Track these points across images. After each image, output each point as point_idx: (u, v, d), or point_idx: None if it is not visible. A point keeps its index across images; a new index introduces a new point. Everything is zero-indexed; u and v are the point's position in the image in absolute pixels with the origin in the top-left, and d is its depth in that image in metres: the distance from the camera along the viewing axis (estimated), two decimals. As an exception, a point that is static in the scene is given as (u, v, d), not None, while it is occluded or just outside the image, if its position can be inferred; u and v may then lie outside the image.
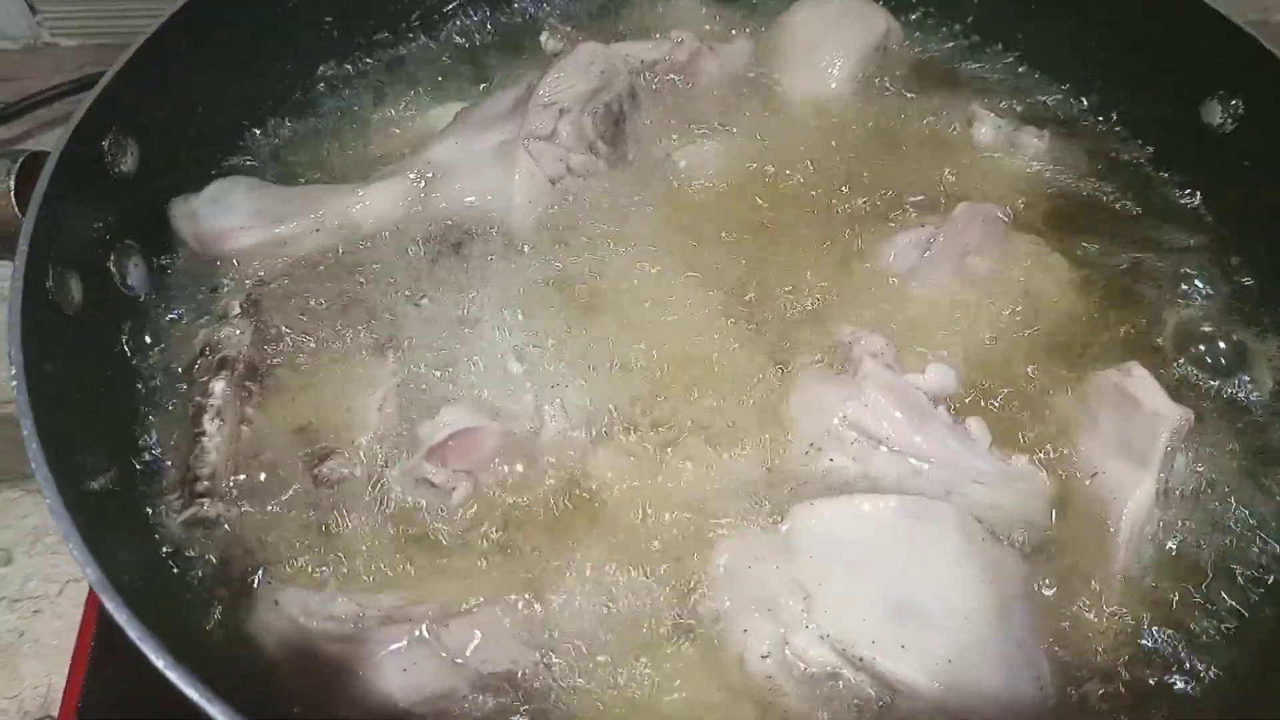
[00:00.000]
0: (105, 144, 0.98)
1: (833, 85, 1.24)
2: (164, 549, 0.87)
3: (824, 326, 1.02)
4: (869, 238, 1.10)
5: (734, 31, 1.31)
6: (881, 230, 1.11)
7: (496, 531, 0.88)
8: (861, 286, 1.06)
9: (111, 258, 0.99)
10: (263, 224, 1.05)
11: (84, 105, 0.96)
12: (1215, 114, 1.13)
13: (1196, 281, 1.09)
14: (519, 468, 0.91)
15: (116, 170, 1.00)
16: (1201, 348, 1.04)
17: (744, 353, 1.00)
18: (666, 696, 0.81)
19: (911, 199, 1.15)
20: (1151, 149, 1.21)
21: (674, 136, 1.18)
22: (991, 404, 0.98)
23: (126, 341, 0.99)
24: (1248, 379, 1.02)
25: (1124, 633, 0.86)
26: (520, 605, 0.83)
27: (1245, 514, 0.93)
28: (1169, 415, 0.90)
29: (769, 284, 1.06)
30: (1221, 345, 1.04)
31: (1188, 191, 1.17)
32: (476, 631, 0.80)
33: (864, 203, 1.14)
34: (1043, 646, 0.83)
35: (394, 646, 0.79)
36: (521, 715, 0.80)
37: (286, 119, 1.21)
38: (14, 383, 0.77)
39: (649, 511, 0.89)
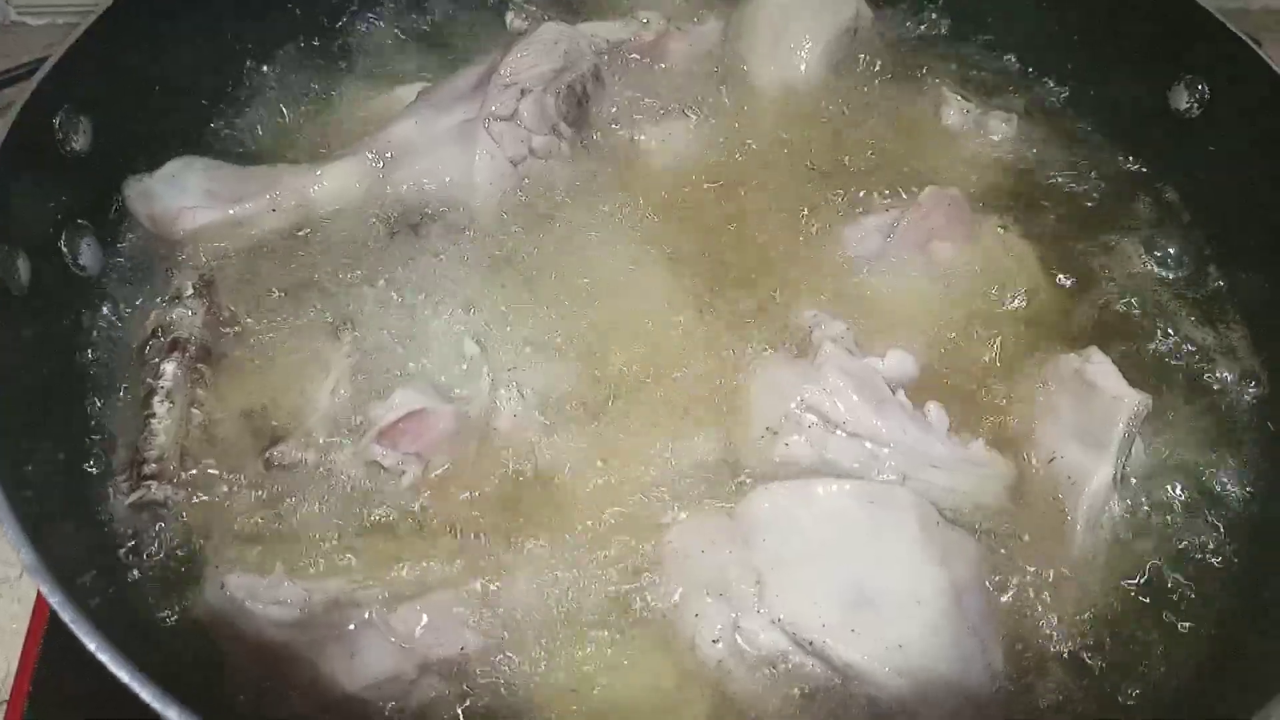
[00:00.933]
0: (57, 122, 0.97)
1: (802, 68, 1.24)
2: (110, 532, 0.86)
3: (785, 310, 1.02)
4: (834, 221, 1.10)
5: (701, 13, 1.30)
6: (847, 214, 1.11)
7: (448, 515, 0.87)
8: (825, 270, 1.06)
9: (63, 237, 0.98)
10: (218, 204, 1.04)
11: (33, 82, 0.94)
12: (1182, 99, 1.13)
13: (1160, 265, 1.10)
14: (472, 450, 0.90)
15: (69, 149, 0.99)
16: (1163, 332, 1.04)
17: (704, 336, 1.00)
18: (616, 680, 0.81)
19: (877, 183, 1.14)
20: (1118, 133, 1.21)
21: (639, 118, 1.18)
22: (952, 388, 0.98)
23: (77, 321, 0.98)
24: (1208, 362, 1.02)
25: (1079, 617, 0.86)
26: (470, 589, 0.82)
27: (1202, 497, 0.94)
28: (1127, 400, 0.90)
29: (731, 267, 1.06)
30: (1183, 329, 1.04)
31: (1153, 175, 1.17)
32: (425, 615, 0.80)
33: (830, 186, 1.14)
34: (997, 632, 0.83)
35: (340, 631, 0.78)
36: (470, 699, 0.79)
37: (245, 98, 1.20)
38: (-46, 363, 0.76)
39: (603, 495, 0.89)
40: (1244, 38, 1.06)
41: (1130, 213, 1.14)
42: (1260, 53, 1.04)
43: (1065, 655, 0.85)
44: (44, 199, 0.96)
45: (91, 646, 0.63)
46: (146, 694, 0.61)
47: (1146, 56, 1.15)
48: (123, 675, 0.62)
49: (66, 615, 0.64)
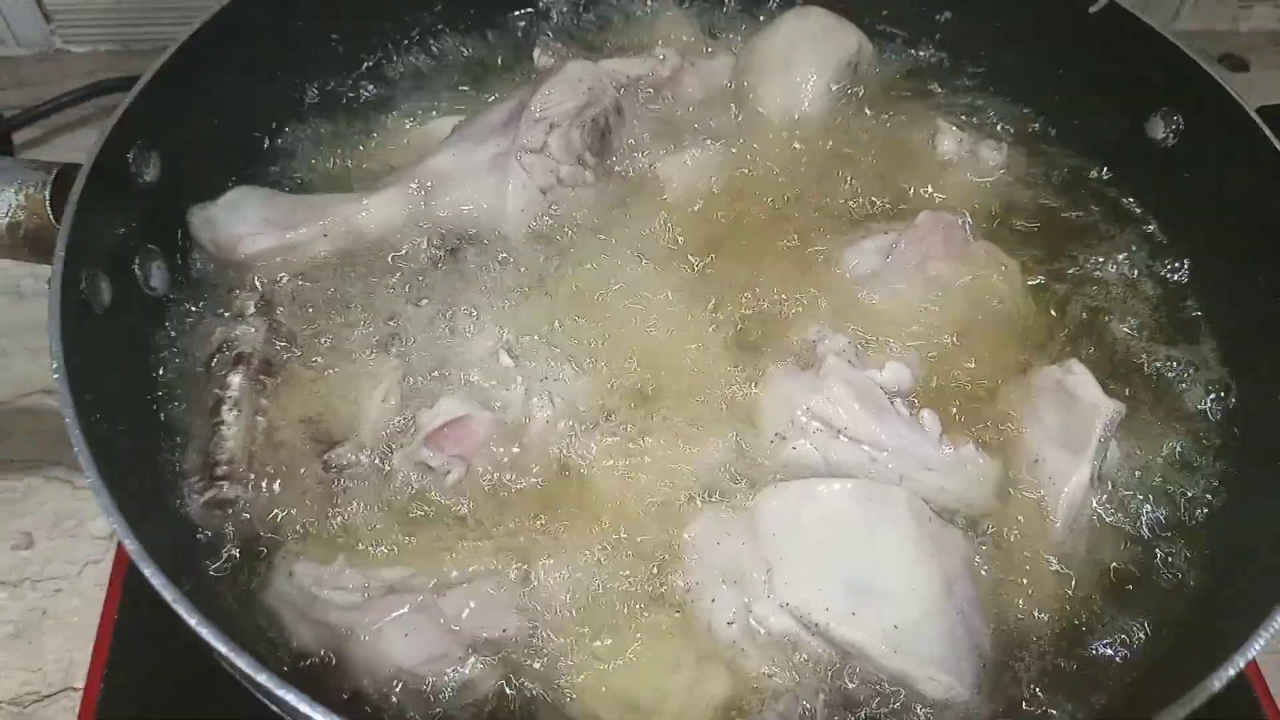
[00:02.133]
0: (130, 156, 1.06)
1: (806, 101, 1.32)
2: (187, 527, 0.95)
3: (792, 326, 1.10)
4: (836, 244, 1.18)
5: (710, 50, 1.39)
6: (848, 237, 1.19)
7: (490, 510, 0.97)
8: (828, 289, 1.14)
9: (136, 261, 1.06)
10: (274, 230, 1.12)
11: (111, 120, 1.03)
12: (1159, 129, 1.22)
13: (1138, 284, 1.18)
14: (511, 453, 0.99)
15: (140, 180, 1.08)
16: (1139, 345, 1.13)
17: (718, 349, 1.08)
18: (640, 659, 0.89)
19: (877, 207, 1.23)
20: (1101, 162, 1.29)
21: (657, 148, 1.26)
22: (945, 397, 1.06)
23: (149, 338, 1.07)
24: (1181, 374, 1.11)
25: (1059, 606, 0.95)
26: (510, 577, 0.91)
27: (1172, 497, 1.02)
28: (1103, 408, 0.99)
29: (742, 286, 1.14)
30: (1158, 343, 1.13)
31: (1133, 202, 1.26)
32: (471, 601, 0.88)
33: (833, 211, 1.22)
34: (984, 616, 0.92)
35: (396, 614, 0.87)
36: (511, 673, 0.88)
37: (296, 132, 1.29)
38: (56, 375, 0.85)
39: (628, 493, 0.98)
40: (1212, 73, 1.14)
41: (1112, 236, 1.23)
42: (1227, 87, 1.13)
43: (1047, 638, 0.93)
44: (119, 227, 1.05)
45: (192, 622, 0.72)
46: (242, 661, 0.70)
47: (1125, 90, 1.24)
48: (221, 647, 0.71)
49: (169, 595, 0.73)
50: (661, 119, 1.30)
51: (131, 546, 0.76)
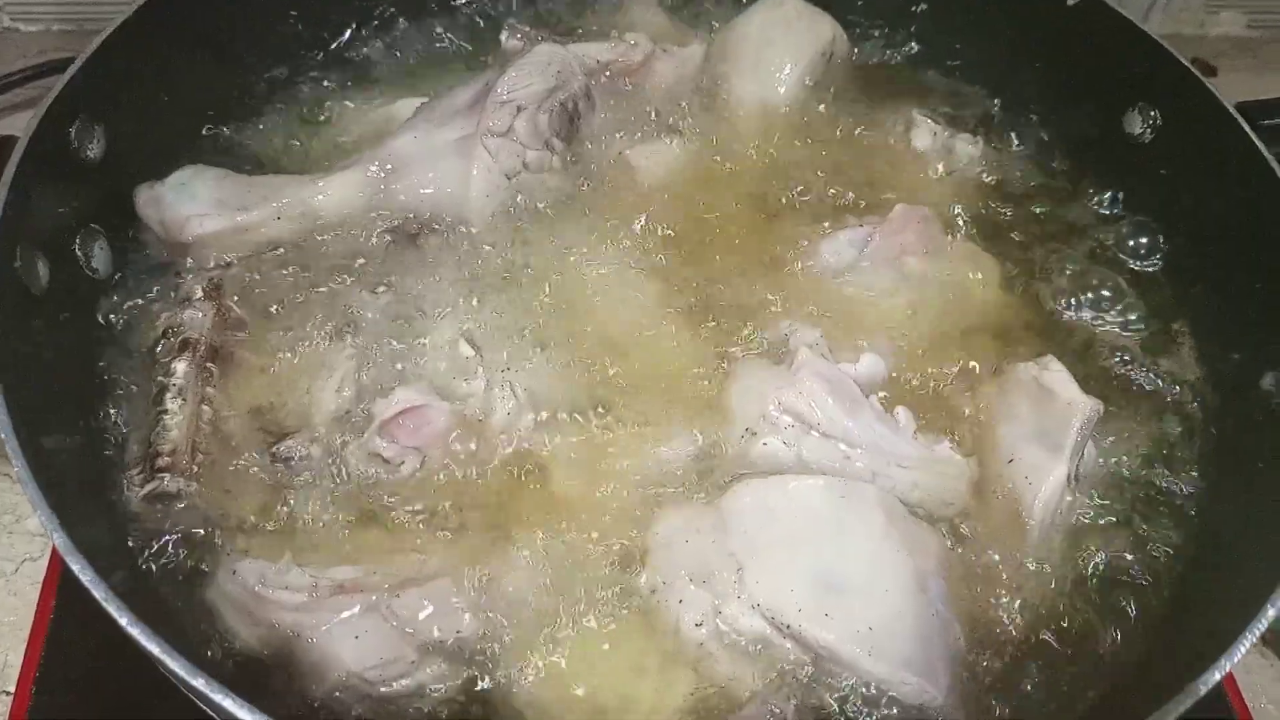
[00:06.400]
0: (72, 130, 1.01)
1: (781, 90, 1.29)
2: (126, 521, 0.90)
3: (764, 319, 1.07)
4: (810, 236, 1.16)
5: (685, 36, 1.36)
6: (822, 230, 1.16)
7: (447, 506, 0.93)
8: (802, 282, 1.12)
9: (77, 241, 1.02)
10: (225, 211, 1.07)
11: (52, 91, 0.98)
12: (1135, 124, 1.20)
13: (1114, 279, 1.16)
14: (470, 446, 0.95)
15: (83, 156, 1.03)
16: (1116, 341, 1.11)
17: (688, 342, 1.05)
18: (605, 661, 0.86)
19: (852, 200, 1.21)
20: (1078, 155, 1.28)
21: (627, 135, 1.23)
22: (919, 392, 1.04)
23: (92, 322, 1.02)
24: (1159, 371, 1.09)
25: (1034, 604, 0.93)
26: (468, 576, 0.87)
27: (1149, 496, 1.00)
28: (1080, 405, 0.96)
29: (713, 278, 1.11)
30: (1136, 339, 1.12)
31: (1110, 197, 1.24)
32: (425, 601, 0.84)
33: (806, 203, 1.20)
34: (958, 615, 0.89)
35: (346, 614, 0.83)
36: (467, 679, 0.84)
37: (252, 109, 1.24)
38: (-18, 358, 0.80)
39: (592, 488, 0.94)
40: (1189, 66, 1.13)
41: (1087, 229, 1.21)
42: (1205, 80, 1.12)
43: (1021, 636, 0.91)
44: (60, 204, 1.00)
45: (123, 621, 0.68)
46: (176, 665, 0.66)
47: (1102, 84, 1.23)
48: (153, 648, 0.67)
49: (99, 593, 0.69)
50: (632, 106, 1.27)
51: (59, 540, 0.71)
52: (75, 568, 0.70)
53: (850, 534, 0.88)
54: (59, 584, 1.04)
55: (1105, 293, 1.15)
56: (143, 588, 0.86)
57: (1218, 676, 0.76)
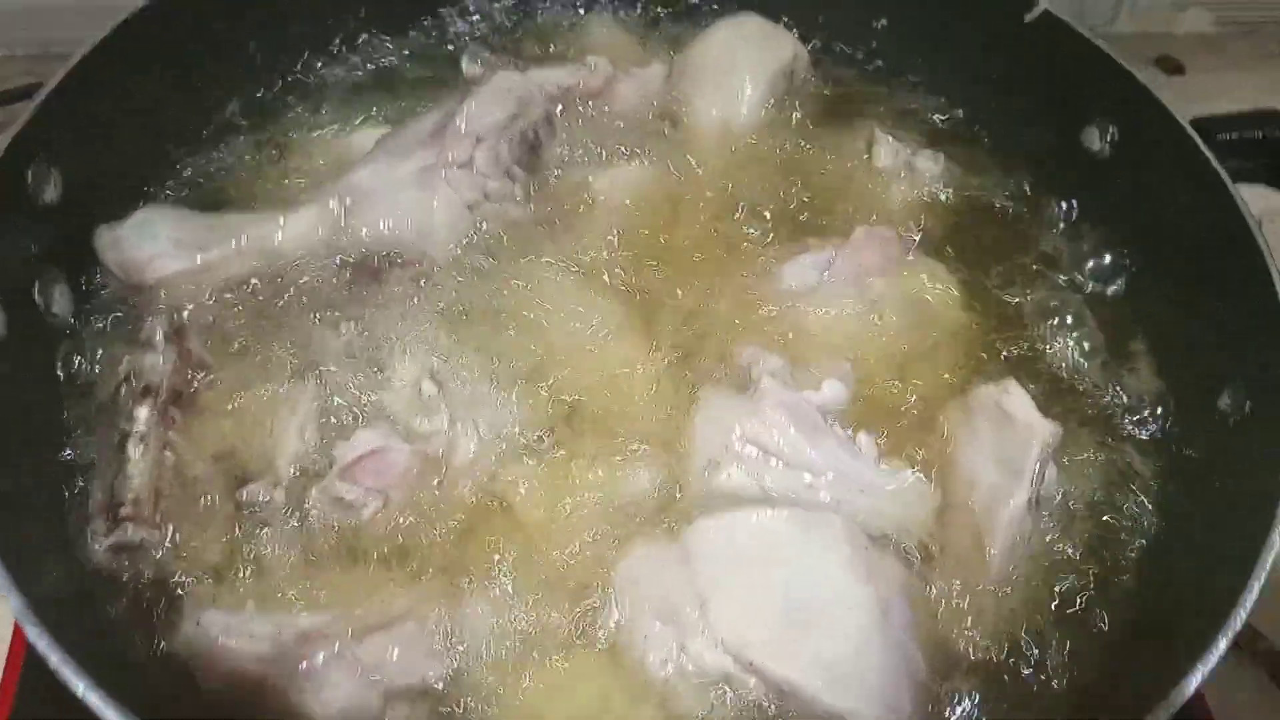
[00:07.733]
0: (29, 175, 1.01)
1: (743, 110, 1.29)
2: (89, 573, 0.90)
3: (727, 346, 1.07)
4: (772, 259, 1.16)
5: (646, 58, 1.35)
6: (784, 252, 1.16)
7: (411, 546, 0.93)
8: (764, 307, 1.12)
9: (36, 285, 1.01)
10: (186, 252, 1.07)
11: (6, 137, 0.98)
12: (1094, 140, 1.21)
13: (1074, 298, 1.17)
14: (433, 484, 0.96)
15: (41, 200, 1.02)
16: (1076, 362, 1.11)
17: (650, 372, 1.05)
18: (572, 699, 0.86)
19: (813, 221, 1.21)
20: (1039, 172, 1.27)
21: (589, 161, 1.23)
22: (881, 417, 1.04)
23: (52, 368, 1.02)
24: (1118, 389, 1.10)
25: (997, 631, 0.93)
26: (432, 619, 0.87)
27: (1111, 520, 1.01)
28: (1040, 430, 0.97)
29: (676, 306, 1.11)
30: (1096, 359, 1.12)
31: (1070, 213, 1.24)
32: (390, 646, 0.84)
33: (768, 225, 1.20)
34: (921, 645, 0.90)
35: (310, 664, 0.83)
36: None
37: (210, 146, 1.23)
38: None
39: (556, 525, 0.94)
40: (1146, 84, 1.14)
41: (1049, 250, 1.21)
42: (1157, 95, 1.12)
43: (984, 661, 0.91)
44: (17, 249, 1.00)
45: (79, 687, 0.68)
46: (133, 730, 0.66)
47: (1061, 100, 1.22)
48: (110, 714, 0.67)
49: (54, 657, 0.69)
50: (594, 131, 1.27)
51: (15, 603, 0.71)
52: (30, 634, 0.70)
53: (813, 568, 0.89)
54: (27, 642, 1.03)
55: (1066, 311, 1.15)
56: (109, 642, 0.86)
57: (1179, 701, 0.77)
